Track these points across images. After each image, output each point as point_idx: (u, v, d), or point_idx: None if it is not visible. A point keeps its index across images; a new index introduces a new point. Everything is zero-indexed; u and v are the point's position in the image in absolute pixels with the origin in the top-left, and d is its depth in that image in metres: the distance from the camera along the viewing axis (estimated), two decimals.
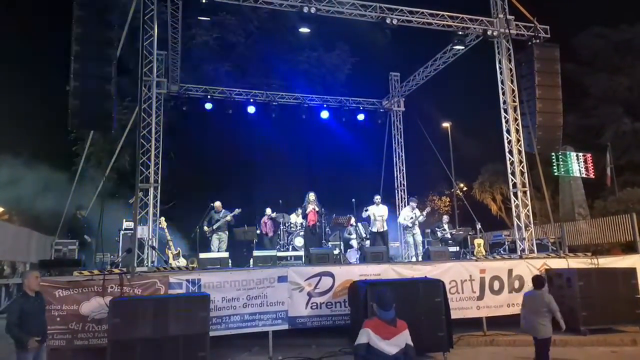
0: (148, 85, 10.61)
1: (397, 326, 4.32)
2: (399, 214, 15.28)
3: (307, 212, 12.53)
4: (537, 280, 6.81)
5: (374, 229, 12.35)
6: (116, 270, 8.21)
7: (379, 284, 7.85)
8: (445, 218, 14.91)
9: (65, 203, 10.83)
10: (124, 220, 11.36)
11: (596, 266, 9.47)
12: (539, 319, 6.45)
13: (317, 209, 12.43)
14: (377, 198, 12.57)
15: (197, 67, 18.75)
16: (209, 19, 12.18)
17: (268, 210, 13.20)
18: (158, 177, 11.44)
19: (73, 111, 8.72)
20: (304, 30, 12.14)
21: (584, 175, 23.95)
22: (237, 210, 12.26)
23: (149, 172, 10.51)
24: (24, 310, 5.34)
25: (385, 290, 4.67)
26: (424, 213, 12.98)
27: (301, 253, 12.33)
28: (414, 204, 12.92)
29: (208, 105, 15.45)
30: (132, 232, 9.28)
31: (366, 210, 12.45)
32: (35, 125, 17.97)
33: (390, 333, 4.22)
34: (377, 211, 12.34)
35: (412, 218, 12.56)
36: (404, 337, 4.29)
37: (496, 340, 8.47)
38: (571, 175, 23.54)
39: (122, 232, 11.03)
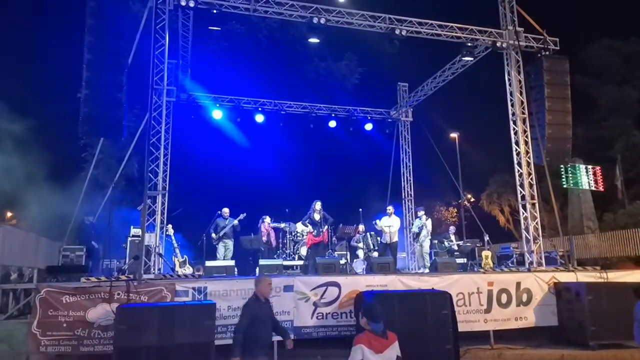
0: (158, 93, 10.71)
1: (388, 338, 4.22)
2: (407, 224, 15.28)
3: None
4: None
5: (384, 240, 12.35)
6: (123, 277, 8.24)
7: (384, 295, 7.81)
8: (452, 229, 14.82)
9: (73, 209, 10.89)
10: (132, 227, 11.40)
11: (605, 280, 9.36)
12: None
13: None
14: (390, 209, 12.54)
15: (206, 75, 18.89)
16: (219, 28, 12.27)
17: (267, 219, 13.15)
18: (166, 185, 11.50)
19: (84, 118, 8.84)
20: (314, 40, 12.21)
21: (593, 188, 23.75)
22: (242, 215, 12.30)
23: (158, 180, 10.56)
24: (255, 316, 5.24)
25: (374, 302, 4.62)
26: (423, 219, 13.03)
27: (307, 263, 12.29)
28: (421, 212, 12.99)
29: (217, 114, 15.54)
30: (140, 239, 9.32)
31: (375, 224, 12.44)
32: (45, 130, 18.14)
33: (383, 346, 4.13)
34: (388, 222, 12.31)
35: (419, 227, 12.61)
36: (395, 349, 4.20)
37: (503, 354, 8.37)
38: (580, 187, 23.35)
39: (129, 239, 11.05)
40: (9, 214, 22.76)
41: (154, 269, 9.83)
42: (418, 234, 12.92)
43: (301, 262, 12.65)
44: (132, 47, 9.81)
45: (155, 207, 10.34)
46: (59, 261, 10.15)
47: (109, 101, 8.82)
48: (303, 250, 12.87)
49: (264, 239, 12.89)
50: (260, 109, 16.20)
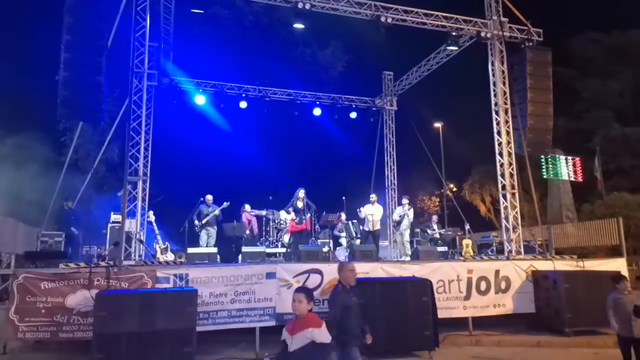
0: (139, 77, 10.51)
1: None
2: (389, 213, 15.38)
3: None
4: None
5: (367, 228, 12.39)
6: (103, 264, 8.14)
7: (366, 282, 7.87)
8: (435, 218, 14.97)
9: (52, 194, 10.69)
10: (112, 213, 11.25)
11: (582, 269, 9.57)
12: None
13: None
14: (373, 197, 12.58)
15: (189, 60, 18.60)
16: (202, 12, 12.07)
17: (247, 207, 13.09)
18: (147, 171, 11.36)
19: (62, 101, 8.61)
20: (299, 26, 12.08)
21: (572, 179, 24.24)
22: (225, 204, 12.21)
23: (138, 165, 10.41)
24: (345, 306, 4.88)
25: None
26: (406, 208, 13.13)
27: (290, 250, 12.31)
28: (405, 201, 13.08)
29: (199, 99, 15.34)
30: (120, 225, 9.20)
31: (360, 211, 12.47)
32: (23, 114, 17.71)
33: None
34: (371, 210, 12.35)
35: (400, 216, 12.71)
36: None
37: (481, 340, 8.52)
38: (560, 178, 23.79)
39: (109, 225, 10.92)
40: None
41: (134, 256, 9.75)
42: (399, 223, 13.02)
43: (284, 250, 12.65)
44: (112, 28, 9.57)
45: (136, 193, 10.21)
46: (37, 247, 9.98)
47: (88, 84, 8.59)
48: (286, 238, 12.87)
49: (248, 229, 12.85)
50: (244, 95, 16.04)
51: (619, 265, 9.78)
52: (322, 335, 3.84)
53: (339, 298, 4.96)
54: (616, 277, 6.88)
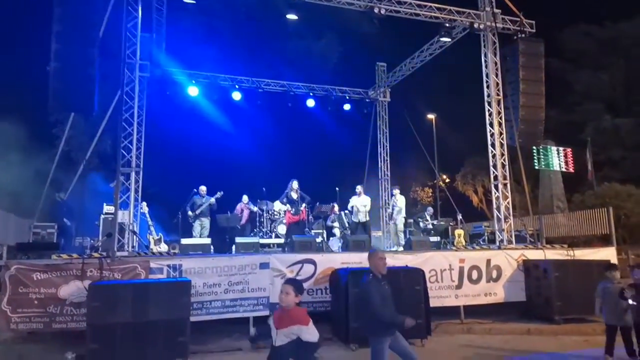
0: (131, 68, 10.43)
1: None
2: (383, 204, 15.45)
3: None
4: None
5: (356, 219, 12.45)
6: (96, 255, 8.13)
7: (359, 271, 7.93)
8: (430, 210, 15.10)
9: (44, 186, 10.62)
10: (105, 204, 11.21)
11: (572, 258, 9.70)
12: None
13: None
14: (359, 188, 12.63)
15: (181, 51, 18.47)
16: (194, 2, 11.96)
17: (245, 198, 13.13)
18: (140, 162, 11.32)
19: (53, 93, 8.53)
20: (292, 17, 12.03)
21: (563, 170, 24.43)
22: (219, 194, 12.23)
23: (131, 156, 10.37)
24: (379, 293, 4.72)
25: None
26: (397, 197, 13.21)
27: (284, 241, 12.35)
28: (396, 191, 13.18)
29: (193, 90, 15.26)
30: (113, 216, 9.18)
31: (349, 202, 12.55)
32: (14, 105, 17.53)
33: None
34: (359, 202, 12.41)
35: (392, 206, 12.81)
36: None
37: (473, 329, 8.64)
38: (551, 169, 23.98)
39: (102, 217, 10.87)
40: None
41: (127, 247, 9.73)
42: (391, 213, 13.16)
43: (278, 240, 12.70)
44: (103, 19, 9.47)
45: (129, 184, 10.18)
46: (29, 238, 9.93)
47: (79, 75, 8.49)
48: (281, 229, 12.91)
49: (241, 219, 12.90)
50: (237, 86, 15.97)
51: (609, 254, 9.92)
52: (310, 333, 3.72)
53: (375, 287, 4.72)
54: (607, 266, 7.00)
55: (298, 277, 8.37)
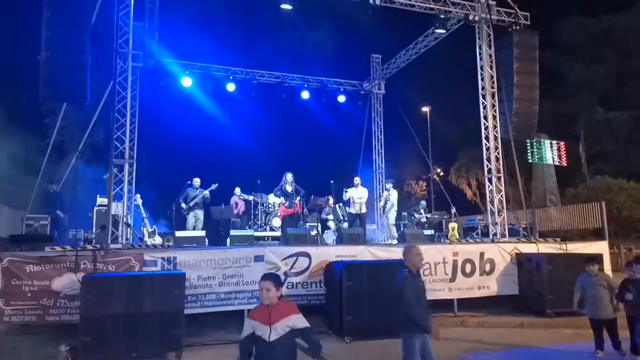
0: (123, 57, 10.31)
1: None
2: (377, 196, 15.46)
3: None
4: None
5: (353, 211, 12.44)
6: (89, 247, 8.08)
7: (354, 264, 7.96)
8: (423, 203, 15.13)
9: (36, 177, 10.52)
10: (98, 196, 11.14)
11: (564, 251, 9.76)
12: None
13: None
14: (357, 180, 12.62)
15: (175, 41, 18.26)
16: None
17: (237, 190, 13.09)
18: (134, 153, 11.23)
19: (44, 82, 8.41)
20: (286, 6, 11.92)
21: (557, 163, 24.52)
22: (213, 186, 12.18)
23: (124, 148, 10.29)
24: (415, 289, 4.63)
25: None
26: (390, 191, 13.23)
27: (278, 233, 12.34)
28: (389, 185, 13.20)
29: (186, 81, 15.13)
30: (106, 208, 9.12)
31: (346, 192, 12.50)
32: (5, 94, 17.28)
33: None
34: (356, 193, 12.41)
35: (386, 200, 12.83)
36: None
37: (466, 321, 8.71)
38: (545, 162, 24.05)
39: (96, 209, 10.81)
40: None
41: (121, 239, 9.69)
42: (384, 207, 13.19)
43: (272, 233, 12.68)
44: (95, 6, 9.32)
45: (123, 175, 10.11)
46: (22, 230, 9.86)
47: (71, 64, 8.39)
48: (276, 222, 12.89)
49: (234, 210, 12.86)
50: (231, 77, 15.86)
51: (601, 248, 10.00)
52: (303, 320, 3.81)
53: (411, 283, 4.65)
54: (587, 258, 6.98)
55: (293, 270, 8.39)
